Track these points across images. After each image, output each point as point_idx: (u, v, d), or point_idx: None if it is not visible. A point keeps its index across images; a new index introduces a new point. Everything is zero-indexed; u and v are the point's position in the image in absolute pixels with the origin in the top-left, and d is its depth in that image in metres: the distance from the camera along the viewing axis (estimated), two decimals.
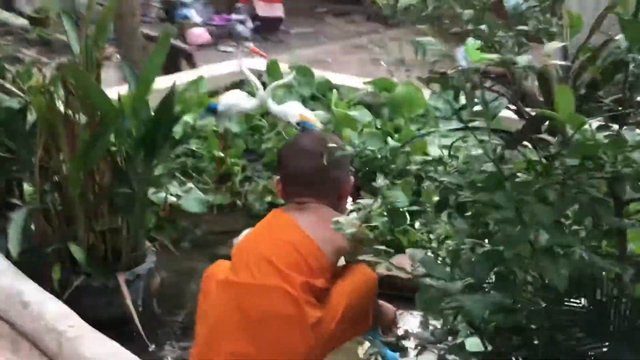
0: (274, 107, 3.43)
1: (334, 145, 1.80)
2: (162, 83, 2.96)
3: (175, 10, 8.61)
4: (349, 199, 2.25)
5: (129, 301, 2.29)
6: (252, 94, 3.54)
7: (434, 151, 3.02)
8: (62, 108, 2.37)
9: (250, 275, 1.93)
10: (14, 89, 2.55)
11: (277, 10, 8.86)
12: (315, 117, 3.42)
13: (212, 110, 3.46)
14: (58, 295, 2.23)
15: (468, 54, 6.30)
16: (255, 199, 3.35)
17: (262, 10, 8.73)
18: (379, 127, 3.81)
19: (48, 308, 2.12)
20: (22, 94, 2.54)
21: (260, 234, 2.11)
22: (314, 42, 8.93)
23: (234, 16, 8.62)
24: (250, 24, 8.57)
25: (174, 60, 6.24)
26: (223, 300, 1.96)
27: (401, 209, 1.74)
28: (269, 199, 3.31)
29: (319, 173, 2.02)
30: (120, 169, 2.43)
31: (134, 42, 6.14)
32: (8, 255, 2.32)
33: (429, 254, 1.58)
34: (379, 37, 9.36)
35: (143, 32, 6.52)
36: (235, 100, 3.42)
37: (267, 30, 8.71)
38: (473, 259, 1.43)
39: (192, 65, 6.47)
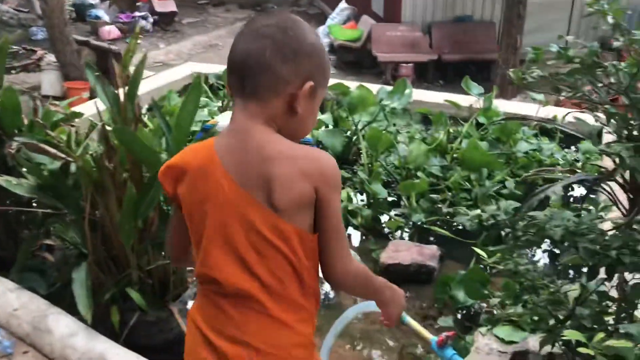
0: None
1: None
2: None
3: (86, 11, 10.36)
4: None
5: (184, 327, 2.37)
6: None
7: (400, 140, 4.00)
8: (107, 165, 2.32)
9: None
10: (57, 152, 2.44)
11: (171, 6, 10.94)
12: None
13: (207, 131, 2.82)
14: (117, 336, 2.33)
15: (331, 32, 8.39)
16: None
17: (159, 6, 10.78)
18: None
19: None
20: (62, 154, 2.42)
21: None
22: (204, 30, 11.04)
23: (137, 13, 10.60)
24: (150, 19, 10.58)
25: (104, 60, 7.14)
26: None
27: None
28: None
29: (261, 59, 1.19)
30: (167, 213, 2.46)
31: (68, 48, 7.28)
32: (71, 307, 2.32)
33: None
34: None
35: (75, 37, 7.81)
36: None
37: (164, 23, 10.77)
38: None
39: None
